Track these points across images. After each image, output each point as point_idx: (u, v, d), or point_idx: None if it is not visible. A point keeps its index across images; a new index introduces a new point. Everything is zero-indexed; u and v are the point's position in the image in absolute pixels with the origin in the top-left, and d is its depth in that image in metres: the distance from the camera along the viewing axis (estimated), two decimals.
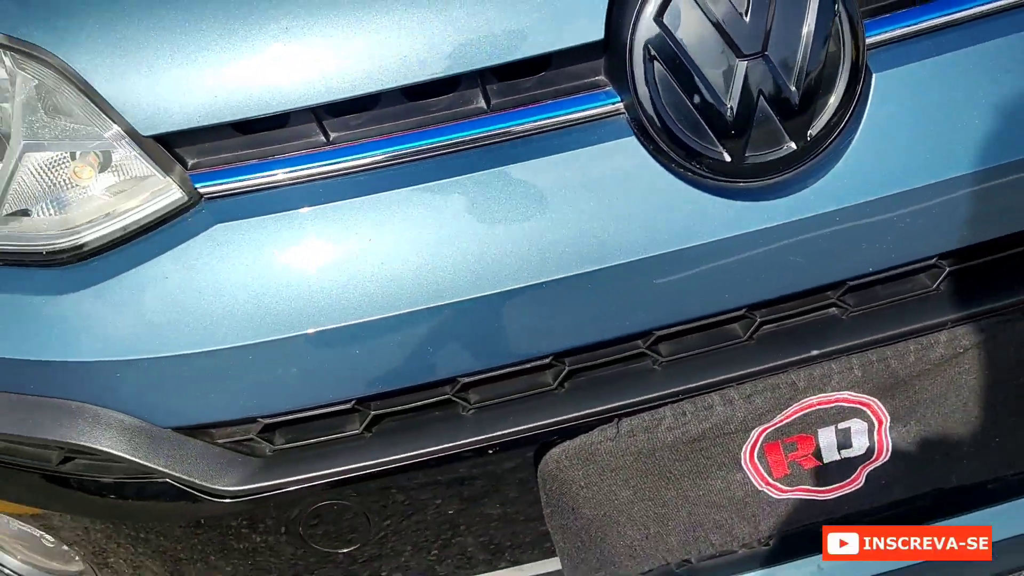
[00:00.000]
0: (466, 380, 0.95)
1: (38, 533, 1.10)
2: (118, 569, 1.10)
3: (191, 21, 0.88)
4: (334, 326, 0.89)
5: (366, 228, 0.90)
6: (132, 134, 0.90)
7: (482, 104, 0.92)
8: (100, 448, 0.92)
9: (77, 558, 1.11)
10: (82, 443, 0.92)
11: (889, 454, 1.00)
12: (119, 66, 0.88)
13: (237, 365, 0.90)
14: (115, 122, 0.90)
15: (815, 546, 1.09)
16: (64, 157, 0.95)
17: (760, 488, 1.00)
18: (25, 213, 0.96)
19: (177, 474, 0.93)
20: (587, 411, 0.94)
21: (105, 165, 0.95)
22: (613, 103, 0.91)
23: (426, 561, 1.07)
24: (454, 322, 0.91)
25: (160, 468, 0.93)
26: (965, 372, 0.98)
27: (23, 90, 0.93)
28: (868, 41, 0.90)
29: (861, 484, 1.01)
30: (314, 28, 0.87)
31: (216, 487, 0.93)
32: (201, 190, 0.92)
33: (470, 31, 0.87)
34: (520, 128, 0.92)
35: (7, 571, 1.13)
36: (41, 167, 0.95)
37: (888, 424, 0.98)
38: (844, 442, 0.99)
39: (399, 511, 1.00)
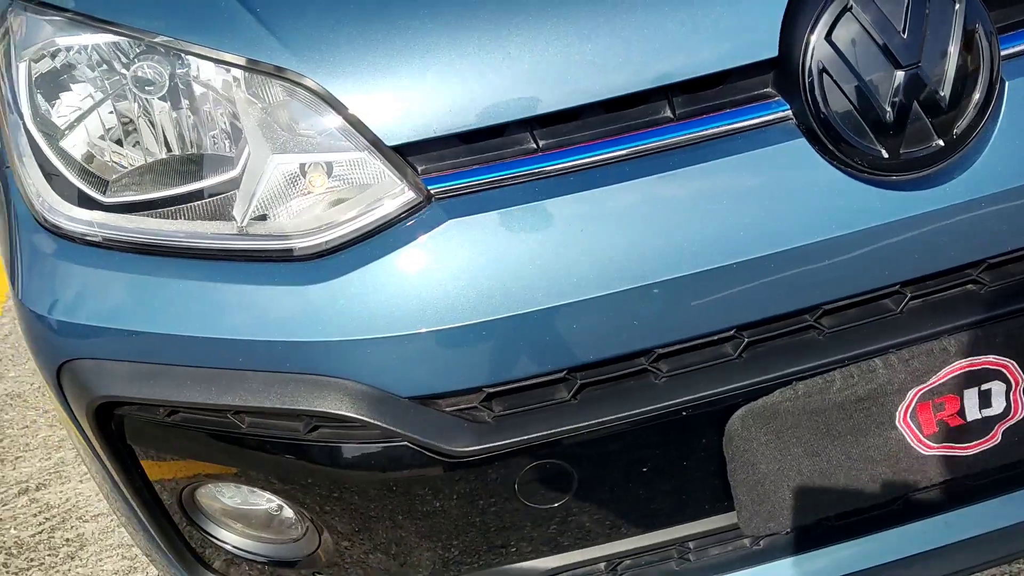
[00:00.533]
0: (661, 351, 1.09)
1: (264, 504, 1.24)
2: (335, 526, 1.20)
3: (429, 49, 1.03)
4: (554, 304, 1.03)
5: (576, 220, 1.05)
6: (377, 144, 1.05)
7: (668, 114, 1.07)
8: (354, 416, 1.05)
9: (296, 525, 1.24)
10: (338, 412, 1.05)
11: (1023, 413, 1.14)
12: (366, 85, 1.04)
13: (470, 340, 1.04)
14: (362, 135, 1.05)
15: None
16: (298, 167, 1.09)
17: (912, 445, 1.13)
18: (264, 217, 1.11)
19: (418, 437, 1.06)
20: (769, 376, 1.08)
21: (330, 173, 1.10)
22: (783, 111, 1.07)
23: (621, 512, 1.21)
24: (653, 301, 1.05)
25: (404, 432, 1.06)
26: None
27: (268, 107, 1.08)
28: (1002, 53, 1.06)
29: (998, 441, 1.15)
30: (532, 53, 1.03)
31: (451, 448, 1.07)
32: (432, 191, 1.07)
33: (663, 53, 1.03)
34: (701, 135, 1.07)
35: (228, 546, 1.25)
36: (283, 176, 1.09)
37: (1023, 386, 1.13)
38: (985, 402, 1.13)
39: (599, 469, 1.14)
